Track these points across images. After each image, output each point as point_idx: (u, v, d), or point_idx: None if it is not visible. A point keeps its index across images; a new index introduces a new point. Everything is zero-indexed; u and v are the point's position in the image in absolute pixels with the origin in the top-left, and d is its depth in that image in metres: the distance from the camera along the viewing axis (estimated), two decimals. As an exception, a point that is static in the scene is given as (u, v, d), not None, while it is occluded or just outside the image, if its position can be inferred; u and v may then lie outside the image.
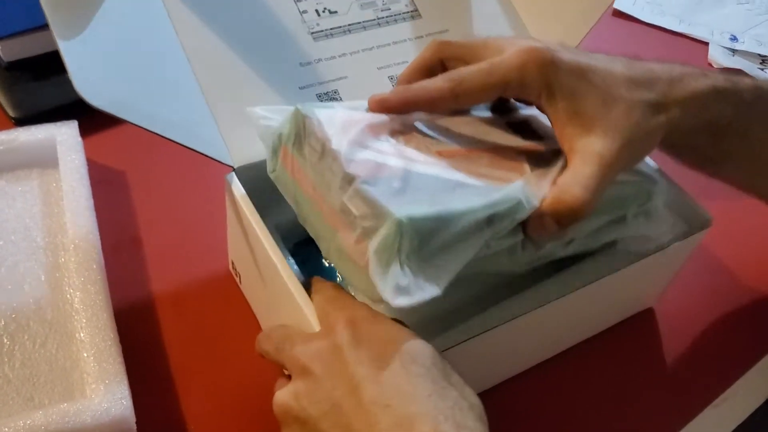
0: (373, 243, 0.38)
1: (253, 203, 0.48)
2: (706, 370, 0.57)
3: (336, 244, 0.41)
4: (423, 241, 0.38)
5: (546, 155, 0.45)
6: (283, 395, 0.40)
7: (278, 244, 0.47)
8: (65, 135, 0.60)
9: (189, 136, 0.48)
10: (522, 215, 0.40)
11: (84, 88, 0.43)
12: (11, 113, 0.66)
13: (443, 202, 0.39)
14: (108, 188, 0.61)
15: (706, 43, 0.91)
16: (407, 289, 0.37)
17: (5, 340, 0.50)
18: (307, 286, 0.45)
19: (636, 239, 0.49)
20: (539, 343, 0.54)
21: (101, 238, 0.55)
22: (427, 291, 0.37)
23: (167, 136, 0.46)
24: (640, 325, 0.59)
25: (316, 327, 0.42)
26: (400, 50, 0.56)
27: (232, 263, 0.57)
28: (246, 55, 0.52)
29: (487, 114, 0.49)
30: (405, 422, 0.35)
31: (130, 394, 0.46)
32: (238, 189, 0.49)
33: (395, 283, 0.37)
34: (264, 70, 0.52)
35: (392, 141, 0.42)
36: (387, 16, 0.57)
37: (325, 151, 0.41)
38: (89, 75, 0.44)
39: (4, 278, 0.53)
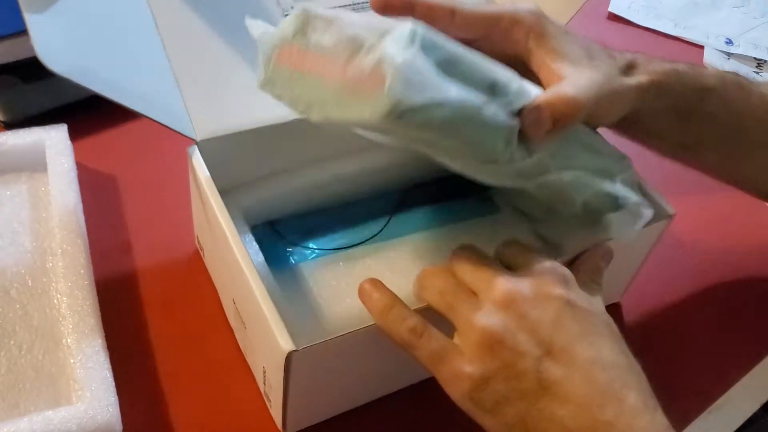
0: (386, 39, 0.38)
1: (218, 180, 0.48)
2: (681, 373, 0.57)
3: (334, 91, 0.41)
4: (430, 60, 0.38)
5: None
6: (491, 320, 0.40)
7: (235, 221, 0.47)
8: (54, 139, 0.59)
9: (151, 107, 0.48)
10: (520, 99, 0.41)
11: (44, 54, 0.43)
12: (1, 117, 0.65)
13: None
14: (97, 192, 0.61)
15: (702, 47, 0.90)
16: (415, 71, 0.37)
17: (-9, 346, 0.49)
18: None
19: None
20: None
21: (90, 243, 0.54)
22: (435, 88, 0.37)
23: (127, 104, 0.47)
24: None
25: (265, 309, 0.42)
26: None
27: (197, 237, 0.57)
28: (217, 32, 0.52)
29: None
30: (616, 387, 0.38)
31: (117, 401, 0.45)
32: (198, 162, 0.49)
33: (407, 62, 0.37)
34: (234, 48, 0.52)
35: None
36: (363, 2, 0.57)
37: (333, 19, 0.41)
38: (51, 41, 0.44)
39: (-10, 283, 0.52)
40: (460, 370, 0.40)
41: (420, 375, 0.52)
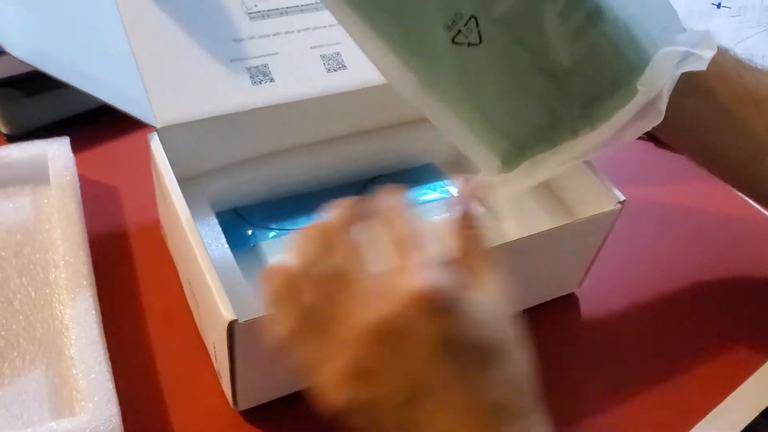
0: None
1: (183, 168, 0.50)
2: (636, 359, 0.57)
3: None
4: None
5: None
6: (354, 357, 0.35)
7: (200, 207, 0.49)
8: (57, 151, 0.59)
9: (111, 93, 0.48)
10: None
11: (6, 39, 0.44)
12: (3, 130, 0.65)
13: None
14: (100, 204, 0.61)
15: (697, 56, 0.90)
16: None
17: (-6, 357, 0.49)
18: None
19: None
20: None
21: (92, 254, 0.54)
22: None
23: (89, 91, 0.47)
24: (563, 310, 0.59)
25: (210, 280, 0.42)
26: (335, 32, 0.56)
27: (162, 227, 0.58)
28: (182, 26, 0.53)
29: None
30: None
31: (119, 412, 0.45)
32: (157, 147, 0.50)
33: None
34: (197, 42, 0.53)
35: None
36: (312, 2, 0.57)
37: None
38: (12, 26, 0.45)
39: (-6, 295, 0.52)
40: (328, 393, 0.36)
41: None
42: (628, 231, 0.54)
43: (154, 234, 0.60)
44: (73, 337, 0.48)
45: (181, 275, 0.55)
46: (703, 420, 0.54)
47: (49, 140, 0.60)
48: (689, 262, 0.65)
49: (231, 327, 0.41)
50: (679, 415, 0.54)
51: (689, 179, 0.73)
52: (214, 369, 0.51)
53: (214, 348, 0.47)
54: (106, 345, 0.48)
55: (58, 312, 0.51)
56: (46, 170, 0.58)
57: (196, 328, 0.54)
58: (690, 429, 0.53)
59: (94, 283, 0.52)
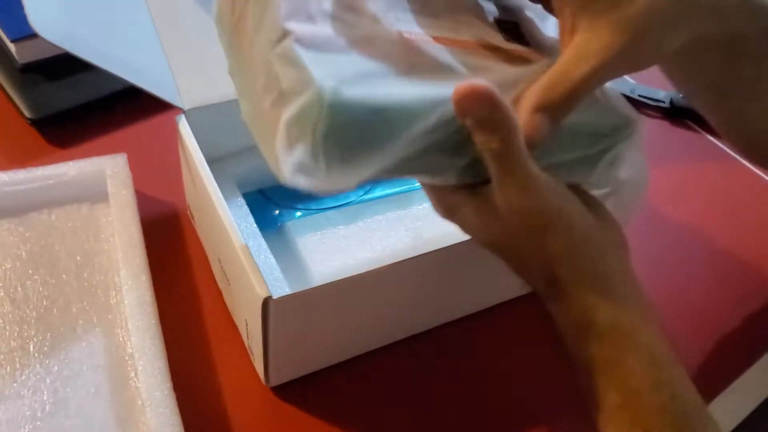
0: (288, 111, 0.31)
1: (210, 149, 0.49)
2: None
3: (256, 103, 0.35)
4: (347, 131, 0.30)
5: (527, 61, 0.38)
6: None
7: (227, 187, 0.49)
8: (115, 168, 0.56)
9: (140, 76, 0.49)
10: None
11: (38, 23, 0.45)
12: (27, 114, 0.63)
13: (391, 87, 0.31)
14: (158, 222, 0.58)
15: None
16: (311, 171, 0.31)
17: (58, 386, 0.46)
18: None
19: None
20: (460, 292, 0.53)
21: (153, 276, 0.51)
22: (336, 183, 0.32)
23: (117, 73, 0.47)
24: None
25: (243, 259, 0.42)
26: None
27: (189, 207, 0.57)
28: (206, 8, 0.51)
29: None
30: None
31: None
32: (185, 129, 0.49)
33: (298, 161, 0.31)
34: None
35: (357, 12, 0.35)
36: None
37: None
38: (44, 11, 0.46)
39: (56, 319, 0.50)
40: None
41: (406, 330, 0.52)
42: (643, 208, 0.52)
43: (181, 215, 0.58)
44: (139, 368, 0.46)
45: (209, 255, 0.54)
46: (718, 397, 0.52)
47: (106, 157, 0.57)
48: (705, 239, 0.63)
49: (266, 303, 0.41)
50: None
51: (703, 158, 0.72)
52: (244, 347, 0.50)
53: (246, 325, 0.47)
54: (170, 375, 0.46)
55: (121, 339, 0.49)
56: (104, 187, 0.55)
57: (225, 307, 0.52)
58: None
59: (156, 308, 0.49)
